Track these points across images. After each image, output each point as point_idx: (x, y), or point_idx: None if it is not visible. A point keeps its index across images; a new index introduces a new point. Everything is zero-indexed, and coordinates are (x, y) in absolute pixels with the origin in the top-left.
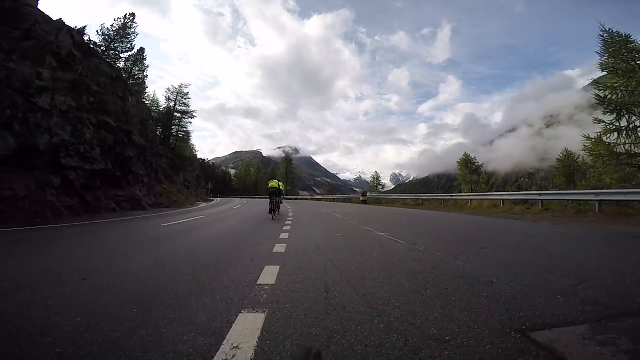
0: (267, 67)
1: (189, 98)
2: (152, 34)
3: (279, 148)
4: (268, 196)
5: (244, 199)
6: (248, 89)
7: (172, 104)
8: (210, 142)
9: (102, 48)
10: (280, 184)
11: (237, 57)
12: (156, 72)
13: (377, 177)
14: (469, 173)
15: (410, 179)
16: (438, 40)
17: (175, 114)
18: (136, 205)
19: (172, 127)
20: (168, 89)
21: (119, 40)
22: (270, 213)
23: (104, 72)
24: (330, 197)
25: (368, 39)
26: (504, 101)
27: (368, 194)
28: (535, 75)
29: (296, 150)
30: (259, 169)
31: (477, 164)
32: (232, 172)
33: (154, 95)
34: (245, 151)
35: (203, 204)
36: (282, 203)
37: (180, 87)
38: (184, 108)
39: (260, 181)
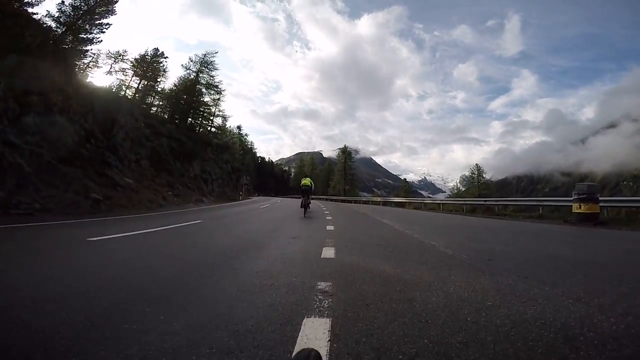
0: (323, 70)
1: (215, 69)
2: (219, 43)
3: (339, 149)
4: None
5: (276, 199)
6: (307, 92)
7: (194, 75)
8: (275, 143)
9: None
10: (311, 182)
11: (295, 62)
12: (225, 80)
13: (478, 170)
14: None
15: (483, 182)
16: (506, 32)
17: (200, 87)
18: None
19: (196, 104)
20: (190, 58)
21: None
22: (302, 208)
23: None
24: (428, 200)
25: (426, 34)
26: (595, 95)
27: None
28: (632, 66)
29: (356, 151)
30: (313, 165)
31: None
32: (294, 171)
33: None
34: (307, 152)
35: (193, 207)
36: (310, 203)
37: (205, 55)
38: (209, 80)
39: (317, 178)
